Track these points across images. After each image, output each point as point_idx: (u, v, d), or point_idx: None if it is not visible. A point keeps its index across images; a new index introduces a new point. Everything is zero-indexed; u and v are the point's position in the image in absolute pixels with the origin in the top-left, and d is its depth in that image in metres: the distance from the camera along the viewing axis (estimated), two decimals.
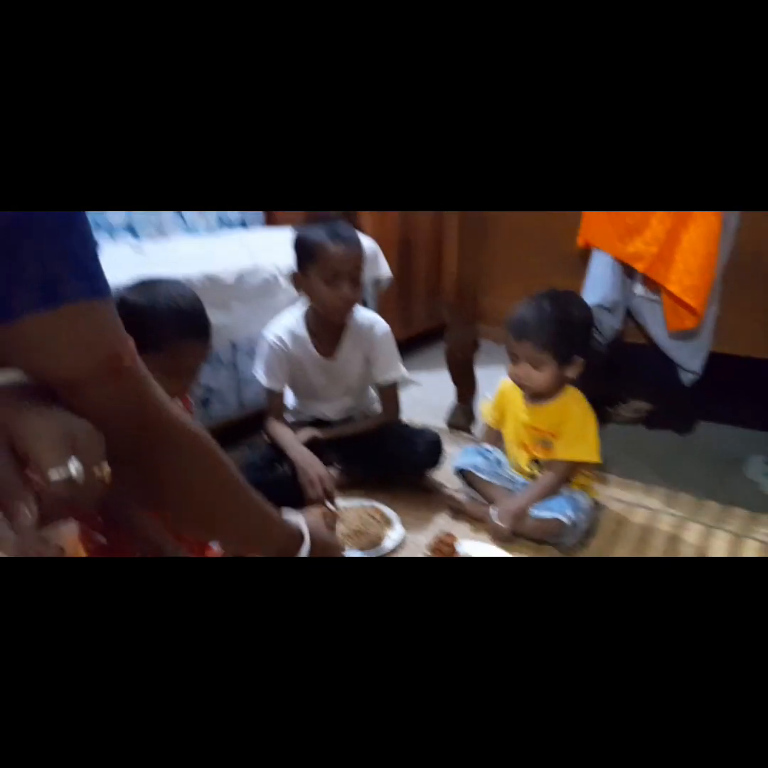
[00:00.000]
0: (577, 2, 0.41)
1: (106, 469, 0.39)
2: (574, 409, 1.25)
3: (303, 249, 1.30)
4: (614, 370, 1.88)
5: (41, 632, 0.36)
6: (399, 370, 1.45)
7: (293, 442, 1.34)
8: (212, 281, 1.42)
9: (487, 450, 1.36)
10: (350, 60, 0.41)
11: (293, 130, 0.42)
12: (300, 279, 1.32)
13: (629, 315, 1.46)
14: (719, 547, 1.22)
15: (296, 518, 0.73)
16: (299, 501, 1.28)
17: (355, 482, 1.42)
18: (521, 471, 1.33)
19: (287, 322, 1.40)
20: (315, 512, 1.17)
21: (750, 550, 1.21)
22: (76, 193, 0.39)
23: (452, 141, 0.44)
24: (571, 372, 1.23)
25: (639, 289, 1.41)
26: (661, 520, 1.32)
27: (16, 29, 0.35)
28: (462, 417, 1.79)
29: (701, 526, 1.29)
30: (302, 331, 1.39)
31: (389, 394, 1.46)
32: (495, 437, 1.40)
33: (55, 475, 0.36)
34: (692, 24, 0.40)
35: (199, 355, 1.03)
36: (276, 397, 1.40)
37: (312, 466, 1.28)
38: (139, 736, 0.34)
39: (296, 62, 0.41)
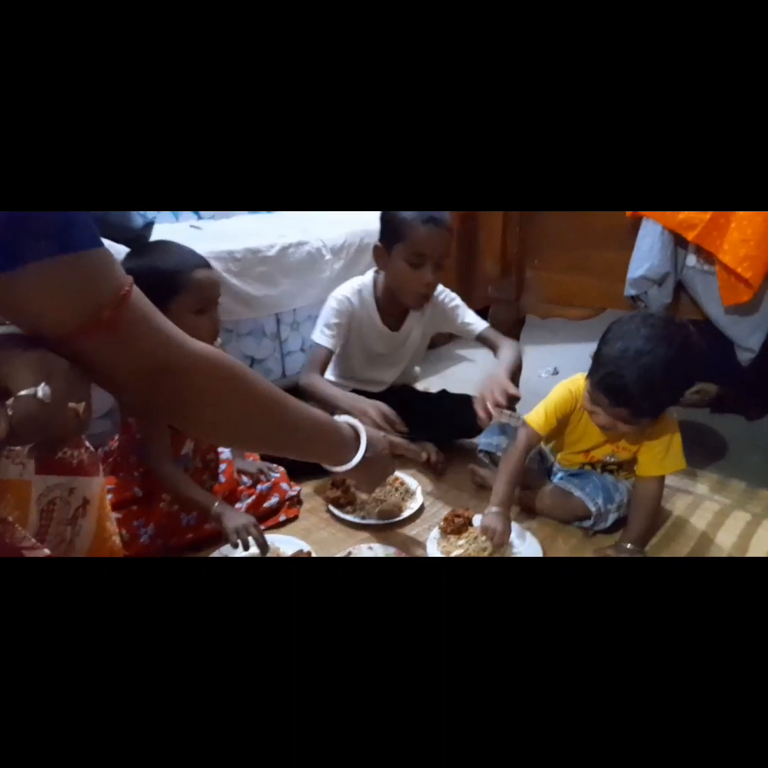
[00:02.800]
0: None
1: (83, 405, 0.43)
2: (660, 431, 1.10)
3: (391, 224, 1.20)
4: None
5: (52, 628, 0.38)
6: (480, 320, 1.43)
7: (339, 392, 1.23)
8: (254, 255, 1.47)
9: (510, 427, 1.31)
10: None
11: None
12: (382, 254, 1.23)
13: (682, 289, 1.35)
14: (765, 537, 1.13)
15: (351, 420, 0.80)
16: None
17: None
18: (566, 463, 1.26)
19: (354, 284, 1.34)
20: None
21: None
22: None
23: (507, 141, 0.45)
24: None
25: (691, 260, 1.30)
26: (705, 507, 1.23)
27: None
28: None
29: (749, 514, 1.20)
30: (369, 296, 1.33)
31: (493, 334, 1.41)
32: (535, 442, 1.19)
33: (22, 393, 0.40)
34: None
35: (212, 283, 1.06)
36: (324, 353, 1.28)
37: (359, 402, 1.17)
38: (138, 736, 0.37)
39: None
